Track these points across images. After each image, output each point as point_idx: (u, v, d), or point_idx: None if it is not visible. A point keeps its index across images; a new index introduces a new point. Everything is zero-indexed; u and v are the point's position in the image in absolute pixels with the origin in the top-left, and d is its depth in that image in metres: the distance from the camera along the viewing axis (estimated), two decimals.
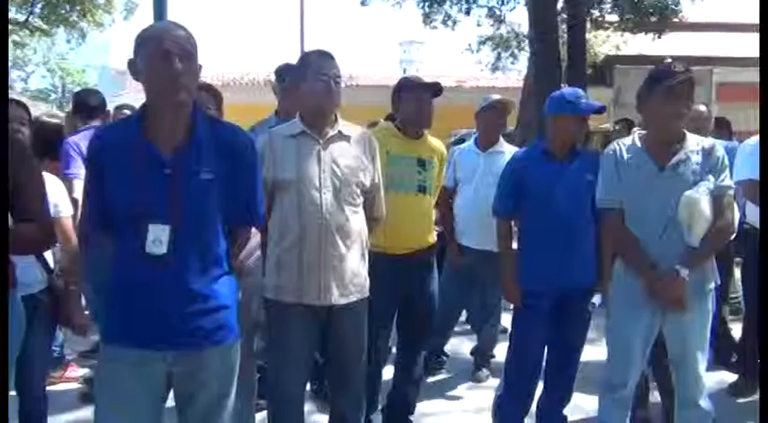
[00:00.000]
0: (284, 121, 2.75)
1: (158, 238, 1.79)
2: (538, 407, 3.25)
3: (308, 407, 3.12)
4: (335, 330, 2.53)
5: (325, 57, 2.50)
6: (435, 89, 3.08)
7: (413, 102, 3.04)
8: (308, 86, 2.46)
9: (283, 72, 3.40)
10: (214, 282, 1.89)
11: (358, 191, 2.50)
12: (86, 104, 3.92)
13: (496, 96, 3.99)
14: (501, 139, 4.02)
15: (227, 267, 1.96)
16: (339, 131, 2.50)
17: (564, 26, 11.05)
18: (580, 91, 3.10)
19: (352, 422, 2.68)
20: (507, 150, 3.90)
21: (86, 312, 3.20)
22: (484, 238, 3.69)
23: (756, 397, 3.83)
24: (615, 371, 2.70)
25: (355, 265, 2.50)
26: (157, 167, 1.80)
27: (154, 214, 1.79)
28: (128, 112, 4.26)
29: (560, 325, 3.03)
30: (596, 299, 2.91)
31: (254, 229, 2.36)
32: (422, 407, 3.48)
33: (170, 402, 2.00)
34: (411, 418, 3.28)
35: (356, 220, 2.50)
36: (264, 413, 2.78)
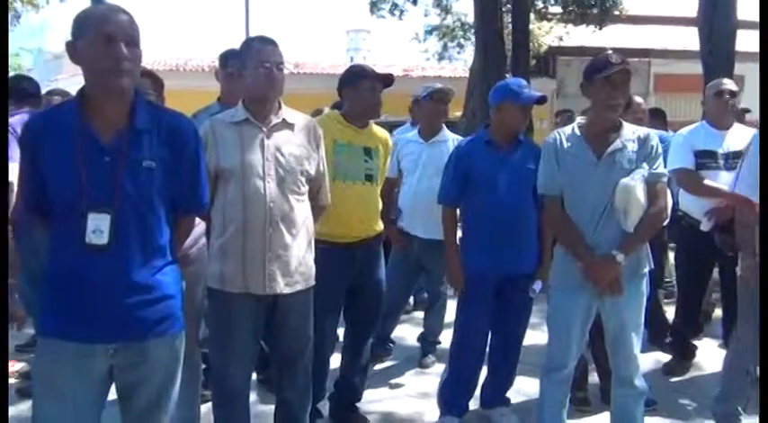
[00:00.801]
0: (228, 107, 2.70)
1: (99, 227, 1.74)
2: (482, 390, 3.33)
3: (253, 396, 3.12)
4: (281, 320, 2.52)
5: (267, 43, 2.46)
6: (388, 80, 3.08)
7: (365, 91, 3.02)
8: (249, 74, 2.43)
9: (228, 58, 3.34)
10: (157, 272, 1.85)
11: (303, 179, 2.49)
12: (19, 91, 3.75)
13: (438, 85, 4.01)
14: (444, 128, 4.06)
15: (171, 257, 1.92)
16: (283, 119, 2.48)
17: (509, 17, 11.20)
18: (523, 81, 3.17)
19: (299, 411, 2.69)
20: (450, 139, 3.95)
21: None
22: (429, 227, 3.74)
23: (688, 376, 4.03)
24: (555, 353, 2.78)
25: (301, 254, 2.49)
26: (97, 154, 1.75)
27: (94, 203, 1.74)
28: (58, 98, 4.11)
29: (503, 310, 3.11)
30: (537, 285, 2.99)
31: (197, 218, 2.33)
32: (368, 394, 3.51)
33: (112, 395, 1.96)
34: (358, 405, 3.30)
35: (301, 209, 2.49)
36: (210, 404, 2.75)
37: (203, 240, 2.74)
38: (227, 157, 2.40)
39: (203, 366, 3.00)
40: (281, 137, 2.46)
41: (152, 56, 13.69)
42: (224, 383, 2.56)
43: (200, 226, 2.60)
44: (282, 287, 2.44)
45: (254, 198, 2.37)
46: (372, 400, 3.54)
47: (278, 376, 2.71)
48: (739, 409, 3.11)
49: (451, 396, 3.22)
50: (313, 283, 2.59)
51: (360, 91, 3.00)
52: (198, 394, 2.93)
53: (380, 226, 3.17)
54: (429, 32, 16.02)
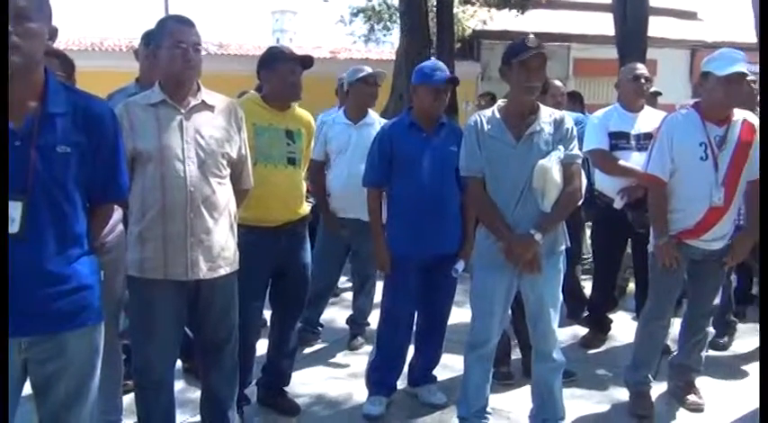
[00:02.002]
0: (146, 88, 2.62)
1: (11, 215, 1.66)
2: (409, 369, 3.40)
3: (178, 385, 3.06)
4: (205, 306, 2.48)
5: (183, 23, 2.38)
6: (307, 62, 3.04)
7: (284, 73, 2.95)
8: (165, 54, 2.35)
9: (151, 36, 3.22)
10: (73, 261, 1.79)
11: (224, 162, 2.44)
12: None
13: (368, 69, 4.01)
14: (370, 111, 4.07)
15: (88, 246, 1.86)
16: (202, 101, 2.42)
17: (433, 0, 11.28)
18: (439, 63, 3.19)
19: (225, 399, 2.66)
20: (377, 122, 3.96)
21: None
22: (360, 209, 3.77)
23: (604, 347, 4.23)
24: (478, 330, 2.86)
25: (224, 239, 2.45)
26: (5, 139, 1.66)
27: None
28: None
29: (429, 290, 3.17)
30: (459, 264, 3.05)
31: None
32: (297, 377, 3.51)
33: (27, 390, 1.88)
34: (286, 389, 3.30)
35: (223, 193, 2.44)
36: (132, 395, 2.69)
37: (120, 227, 2.65)
38: (143, 140, 2.32)
39: (124, 357, 2.92)
40: (200, 119, 2.40)
41: (66, 35, 13.01)
42: (147, 374, 2.50)
43: (116, 212, 2.52)
44: (205, 272, 2.40)
45: (174, 182, 2.31)
46: (301, 383, 3.55)
47: (203, 363, 2.67)
48: (649, 376, 3.30)
49: (380, 376, 3.26)
50: (237, 267, 2.56)
51: (278, 73, 2.94)
52: (119, 386, 2.86)
53: (305, 209, 3.15)
54: (355, 14, 15.94)
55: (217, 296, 2.49)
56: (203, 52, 2.44)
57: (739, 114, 3.04)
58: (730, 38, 13.78)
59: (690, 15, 19.14)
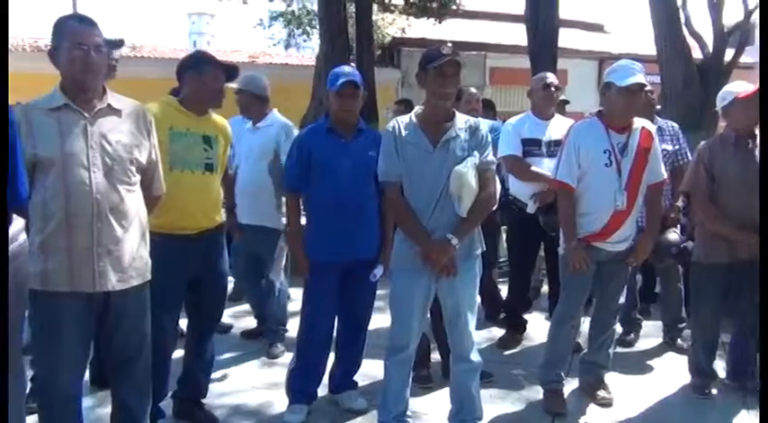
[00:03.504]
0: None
1: None
2: (330, 376, 3.38)
3: (88, 401, 2.92)
4: (115, 317, 2.38)
5: (84, 23, 2.28)
6: (233, 71, 3.03)
7: (208, 79, 2.90)
8: (64, 56, 2.24)
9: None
10: None
11: (133, 169, 2.35)
12: None
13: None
14: (274, 111, 4.12)
15: None
16: (108, 105, 2.32)
17: (352, 7, 11.32)
18: (345, 68, 3.20)
19: (138, 413, 2.56)
20: (276, 124, 4.00)
21: None
22: (258, 213, 3.80)
23: (520, 348, 4.35)
24: (397, 334, 2.88)
25: (134, 248, 2.36)
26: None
27: None
28: None
29: (348, 296, 3.17)
30: (378, 269, 3.06)
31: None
32: (215, 388, 3.43)
33: None
34: (204, 401, 3.21)
35: (132, 200, 2.35)
36: (36, 416, 2.53)
37: (23, 237, 2.50)
38: (44, 145, 2.20)
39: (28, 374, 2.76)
40: (106, 124, 2.30)
41: None
42: (53, 391, 2.37)
43: (17, 221, 2.37)
44: (115, 284, 2.30)
45: (78, 190, 2.20)
46: (219, 394, 3.46)
47: (114, 377, 2.56)
48: (561, 374, 3.43)
49: (300, 384, 3.23)
50: (149, 277, 2.47)
51: (203, 78, 2.90)
52: (23, 406, 2.68)
53: (222, 216, 3.09)
54: (274, 19, 15.75)
55: (128, 308, 2.39)
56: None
57: (638, 122, 3.21)
58: (634, 50, 14.59)
59: (597, 28, 20.12)
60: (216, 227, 3.04)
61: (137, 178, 2.39)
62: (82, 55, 2.22)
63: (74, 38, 2.22)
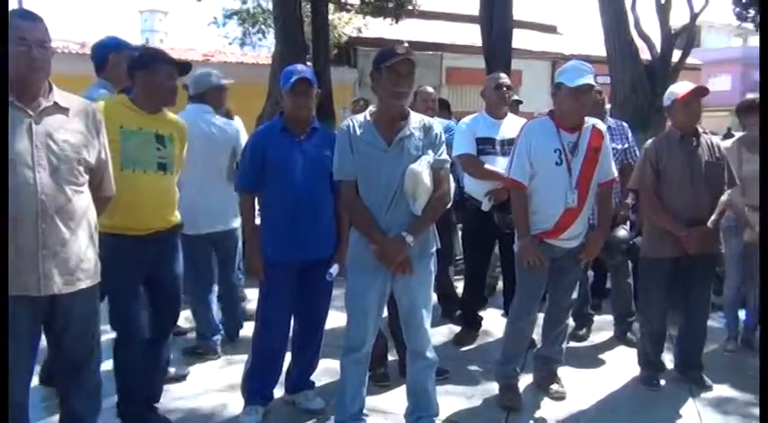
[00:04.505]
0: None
1: None
2: (287, 376, 3.36)
3: (35, 409, 2.83)
4: (62, 321, 2.31)
5: (27, 18, 2.20)
6: (185, 67, 2.99)
7: (161, 77, 2.85)
8: (6, 52, 2.17)
9: None
10: None
11: (81, 169, 2.29)
12: None
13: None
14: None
15: None
16: (55, 103, 2.25)
17: (308, 5, 11.26)
18: (299, 66, 3.17)
19: (88, 418, 2.49)
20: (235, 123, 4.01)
21: None
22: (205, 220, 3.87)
23: (476, 344, 4.40)
24: (353, 333, 2.89)
25: (82, 250, 2.29)
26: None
27: None
28: None
29: (304, 295, 3.15)
30: (333, 268, 3.04)
31: None
32: (169, 391, 3.38)
33: None
34: (157, 405, 3.15)
35: (80, 201, 2.29)
36: None
37: None
38: None
39: None
40: (52, 122, 2.23)
41: None
42: None
43: None
44: (61, 287, 2.23)
45: (23, 190, 2.13)
46: (173, 398, 3.41)
47: (62, 383, 2.49)
48: (517, 369, 3.48)
49: (256, 384, 3.19)
50: (98, 279, 2.41)
51: (155, 76, 2.85)
52: None
53: (177, 217, 3.04)
54: (228, 17, 15.54)
55: (76, 311, 2.32)
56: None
57: (589, 122, 3.29)
58: (586, 51, 14.90)
59: (550, 29, 20.50)
60: (171, 228, 2.99)
61: (85, 178, 2.32)
62: (24, 51, 2.14)
63: (16, 33, 2.14)
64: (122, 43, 3.62)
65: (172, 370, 3.56)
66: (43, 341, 2.39)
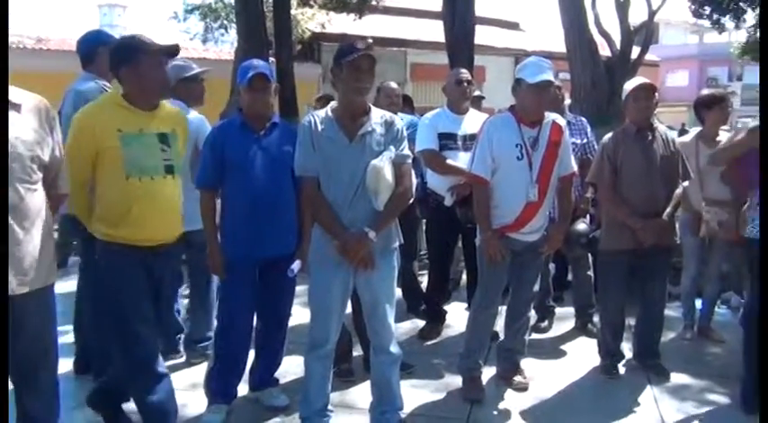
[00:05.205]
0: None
1: None
2: (250, 373, 3.34)
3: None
4: (17, 323, 2.24)
5: None
6: (173, 51, 2.78)
7: (152, 67, 2.59)
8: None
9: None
10: None
11: (35, 166, 2.22)
12: None
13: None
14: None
15: None
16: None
17: (271, 1, 11.17)
18: (255, 62, 3.14)
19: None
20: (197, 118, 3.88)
21: None
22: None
23: (441, 338, 4.44)
24: (317, 329, 2.89)
25: (36, 249, 2.24)
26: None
27: None
28: None
29: (267, 292, 3.13)
30: (295, 265, 3.00)
31: None
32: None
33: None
34: (123, 406, 3.10)
35: (34, 199, 2.22)
36: None
37: None
38: None
39: None
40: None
41: None
42: None
43: None
44: (15, 287, 2.18)
45: None
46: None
47: (17, 387, 2.43)
48: (480, 362, 3.53)
49: (219, 383, 3.16)
50: (53, 280, 2.36)
51: (143, 68, 2.58)
52: None
53: (181, 226, 2.81)
54: (189, 12, 15.29)
55: (29, 313, 2.25)
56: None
57: (549, 117, 3.34)
58: (548, 47, 15.10)
59: (513, 26, 20.73)
60: (177, 238, 2.80)
61: (38, 176, 2.26)
62: None
63: None
64: (112, 37, 3.50)
65: None
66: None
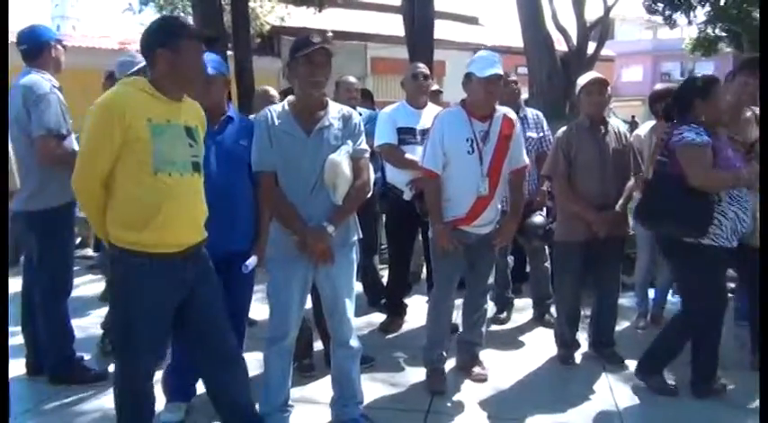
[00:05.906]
0: None
1: None
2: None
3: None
4: None
5: None
6: (212, 39, 2.68)
7: (195, 52, 2.37)
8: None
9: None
10: None
11: None
12: None
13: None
14: None
15: None
16: None
17: None
18: (206, 55, 3.09)
19: None
20: None
21: None
22: None
23: (402, 331, 4.47)
24: (276, 324, 2.87)
25: None
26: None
27: None
28: None
29: (225, 288, 3.08)
30: (251, 261, 2.96)
31: None
32: (91, 389, 3.27)
33: None
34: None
35: None
36: None
37: None
38: None
39: None
40: None
41: None
42: None
43: None
44: None
45: None
46: (93, 396, 3.29)
47: None
48: (443, 354, 3.56)
49: (177, 381, 3.12)
50: None
51: (180, 54, 2.33)
52: None
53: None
54: (145, 3, 14.95)
55: None
56: None
57: (500, 111, 3.38)
58: (507, 42, 15.29)
59: (472, 20, 20.86)
60: (201, 241, 2.55)
61: None
62: None
63: None
64: (60, 37, 3.51)
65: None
66: None
